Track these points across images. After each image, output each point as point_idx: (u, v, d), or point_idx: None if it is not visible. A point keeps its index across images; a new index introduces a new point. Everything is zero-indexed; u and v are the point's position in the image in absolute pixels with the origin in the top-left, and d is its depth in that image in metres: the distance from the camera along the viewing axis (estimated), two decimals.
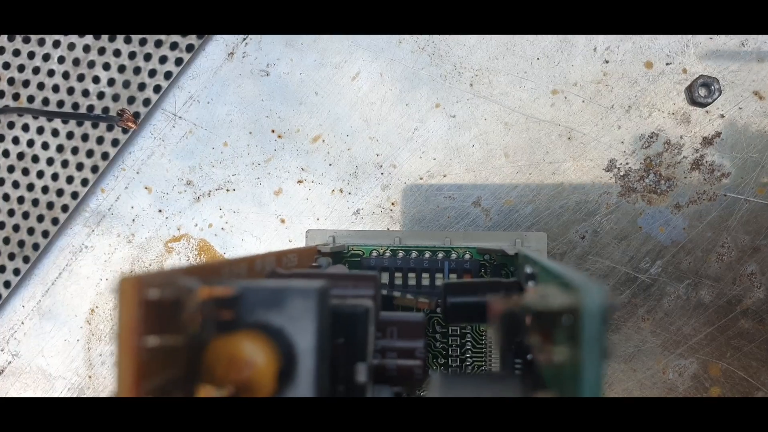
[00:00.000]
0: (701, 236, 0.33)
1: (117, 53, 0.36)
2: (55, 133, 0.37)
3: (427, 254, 0.28)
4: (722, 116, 0.33)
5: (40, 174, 0.37)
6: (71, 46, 0.36)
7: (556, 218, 0.33)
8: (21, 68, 0.37)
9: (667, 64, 0.33)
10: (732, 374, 0.33)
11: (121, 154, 0.36)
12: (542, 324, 0.15)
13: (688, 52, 0.33)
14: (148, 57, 0.36)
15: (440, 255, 0.28)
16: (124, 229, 0.36)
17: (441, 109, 0.34)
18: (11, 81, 0.37)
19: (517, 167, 0.34)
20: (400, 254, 0.28)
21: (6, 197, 0.37)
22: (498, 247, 0.27)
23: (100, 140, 0.36)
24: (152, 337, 0.12)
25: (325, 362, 0.15)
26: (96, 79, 0.36)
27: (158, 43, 0.36)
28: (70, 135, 0.36)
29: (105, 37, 0.36)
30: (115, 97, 0.36)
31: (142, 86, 0.36)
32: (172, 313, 0.13)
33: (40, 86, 0.37)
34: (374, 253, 0.29)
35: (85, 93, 0.36)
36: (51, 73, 0.37)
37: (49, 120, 0.36)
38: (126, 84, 0.36)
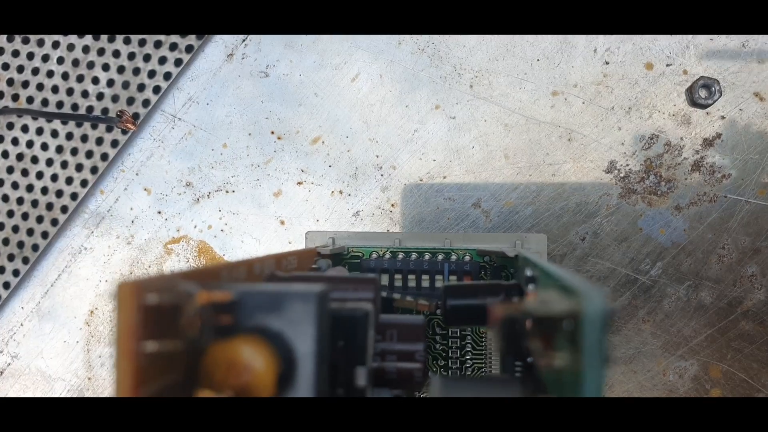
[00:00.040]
0: (702, 238, 0.33)
1: (116, 54, 0.36)
2: (54, 134, 0.36)
3: (427, 256, 0.28)
4: (723, 117, 0.32)
5: (40, 175, 0.37)
6: (70, 47, 0.36)
7: (556, 220, 0.33)
8: (20, 69, 0.37)
9: (667, 65, 0.33)
10: (732, 376, 0.32)
11: (121, 155, 0.36)
12: (543, 329, 0.15)
13: (688, 54, 0.33)
14: (147, 58, 0.36)
15: (440, 257, 0.28)
16: (123, 231, 0.36)
17: (441, 110, 0.34)
18: (10, 82, 0.37)
19: (517, 169, 0.34)
20: (400, 256, 0.28)
21: (5, 198, 0.37)
22: (498, 249, 0.26)
23: (99, 141, 0.36)
24: (151, 342, 0.12)
25: (325, 366, 0.15)
26: (95, 80, 0.36)
27: (157, 44, 0.36)
28: (69, 136, 0.36)
29: (104, 37, 0.36)
30: (115, 98, 0.36)
31: (141, 87, 0.36)
32: (171, 318, 0.13)
33: (40, 87, 0.37)
34: (374, 255, 0.29)
35: (85, 94, 0.36)
36: (50, 73, 0.36)
37: (49, 121, 0.36)
38: (125, 85, 0.36)
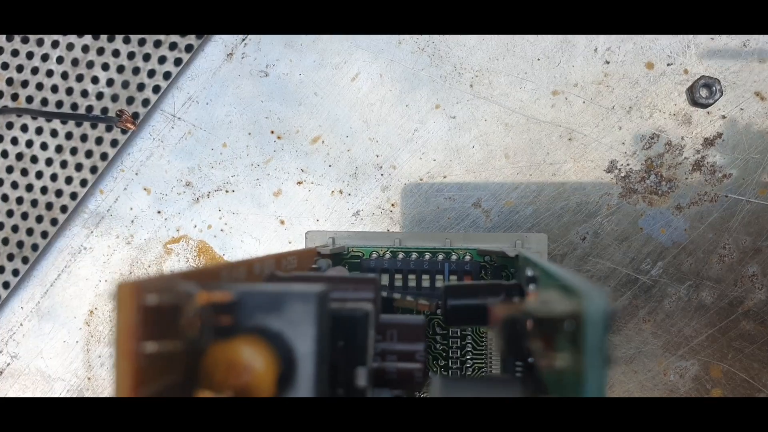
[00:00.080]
0: (702, 237, 0.33)
1: (116, 53, 0.36)
2: (53, 133, 0.36)
3: (428, 256, 0.28)
4: (724, 117, 0.32)
5: (39, 175, 0.36)
6: (70, 46, 0.36)
7: (556, 219, 0.33)
8: (19, 68, 0.37)
9: (668, 64, 0.33)
10: (733, 376, 0.32)
11: (120, 155, 0.36)
12: (544, 329, 0.15)
13: (689, 53, 0.33)
14: (147, 57, 0.36)
15: (440, 256, 0.28)
16: (123, 231, 0.36)
17: (441, 110, 0.34)
18: (10, 81, 0.37)
19: (517, 168, 0.34)
20: (400, 256, 0.28)
21: (5, 198, 0.37)
22: (498, 249, 0.26)
23: (98, 141, 0.36)
24: (150, 342, 0.12)
25: (325, 367, 0.15)
26: (95, 80, 0.36)
27: (157, 44, 0.36)
28: (68, 135, 0.36)
29: (103, 37, 0.36)
30: (114, 98, 0.36)
31: (140, 87, 0.36)
32: (171, 319, 0.13)
33: (39, 86, 0.36)
34: (374, 255, 0.29)
35: (84, 93, 0.36)
36: (50, 73, 0.36)
37: (48, 120, 0.36)
38: (125, 84, 0.36)
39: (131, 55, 0.36)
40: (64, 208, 0.36)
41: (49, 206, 0.36)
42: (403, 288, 0.28)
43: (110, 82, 0.36)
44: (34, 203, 0.37)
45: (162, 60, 0.36)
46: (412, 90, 0.34)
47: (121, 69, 0.36)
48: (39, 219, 0.36)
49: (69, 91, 0.36)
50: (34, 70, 0.37)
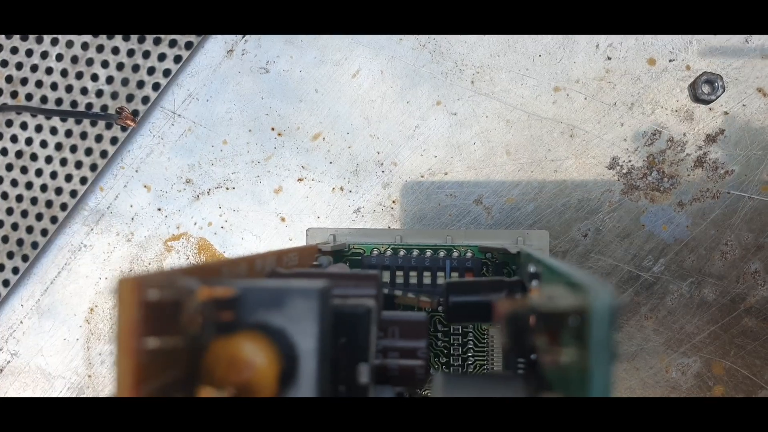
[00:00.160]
0: (704, 234, 0.32)
1: (115, 51, 0.36)
2: (53, 131, 0.36)
3: (429, 253, 0.28)
4: (726, 113, 0.32)
5: (39, 172, 0.36)
6: (69, 44, 0.36)
7: (558, 216, 0.33)
8: (19, 66, 0.36)
9: (670, 60, 0.33)
10: (735, 373, 0.32)
11: (120, 152, 0.36)
12: (548, 325, 0.15)
13: (691, 49, 0.33)
14: (146, 54, 0.36)
15: (442, 253, 0.28)
16: (123, 228, 0.36)
17: (442, 106, 0.34)
18: (9, 79, 0.37)
19: (518, 165, 0.33)
20: (402, 253, 0.28)
21: (4, 195, 0.37)
22: (500, 246, 0.26)
23: (98, 138, 0.36)
24: (152, 338, 0.12)
25: (327, 363, 0.15)
26: (94, 77, 0.36)
27: (157, 41, 0.35)
28: (68, 133, 0.36)
29: (103, 34, 0.36)
30: (114, 95, 0.36)
31: (140, 84, 0.36)
32: (172, 315, 0.13)
33: (38, 84, 0.36)
34: (375, 252, 0.28)
35: (84, 91, 0.36)
36: (49, 70, 0.36)
37: (48, 118, 0.36)
38: (124, 82, 0.36)
39: (131, 53, 0.36)
40: (63, 206, 0.36)
41: (48, 204, 0.36)
42: (405, 285, 0.28)
43: (110, 80, 0.36)
44: (34, 201, 0.36)
45: (162, 57, 0.35)
46: (413, 87, 0.34)
47: (120, 66, 0.36)
48: (39, 217, 0.36)
49: (68, 89, 0.36)
50: (34, 68, 0.36)
